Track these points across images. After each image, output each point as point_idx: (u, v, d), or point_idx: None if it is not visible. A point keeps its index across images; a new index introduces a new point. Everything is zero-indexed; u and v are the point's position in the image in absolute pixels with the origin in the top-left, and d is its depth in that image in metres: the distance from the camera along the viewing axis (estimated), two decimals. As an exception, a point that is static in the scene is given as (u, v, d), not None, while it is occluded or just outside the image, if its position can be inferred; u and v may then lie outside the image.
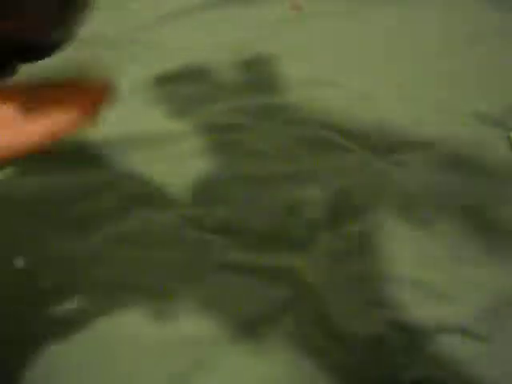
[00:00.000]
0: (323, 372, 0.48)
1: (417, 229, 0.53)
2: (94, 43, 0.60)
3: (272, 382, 0.44)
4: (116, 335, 0.41)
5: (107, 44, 0.63)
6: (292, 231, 0.51)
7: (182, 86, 0.61)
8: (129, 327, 0.41)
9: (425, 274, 0.52)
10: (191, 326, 0.42)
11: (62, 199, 0.50)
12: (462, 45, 0.68)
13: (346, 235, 0.51)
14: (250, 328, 0.45)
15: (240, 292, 0.47)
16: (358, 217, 0.51)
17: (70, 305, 0.42)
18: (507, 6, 0.71)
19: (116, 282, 0.44)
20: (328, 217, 0.51)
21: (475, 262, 0.53)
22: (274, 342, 0.46)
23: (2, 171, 0.51)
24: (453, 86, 0.64)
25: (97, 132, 0.53)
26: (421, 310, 0.50)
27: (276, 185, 0.53)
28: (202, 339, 0.42)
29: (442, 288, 0.51)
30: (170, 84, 0.61)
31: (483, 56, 0.67)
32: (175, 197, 0.50)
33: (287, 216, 0.52)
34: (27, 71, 0.23)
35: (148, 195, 0.51)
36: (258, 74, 0.62)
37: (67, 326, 0.41)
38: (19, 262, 0.44)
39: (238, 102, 0.58)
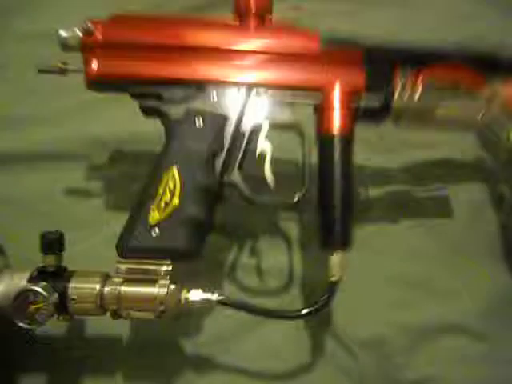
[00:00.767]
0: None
1: (416, 225, 0.53)
2: None
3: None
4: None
5: None
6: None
7: None
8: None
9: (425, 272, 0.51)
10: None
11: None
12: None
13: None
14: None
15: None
16: (358, 216, 0.50)
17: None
18: (507, 6, 0.69)
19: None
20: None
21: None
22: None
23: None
24: None
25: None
26: (421, 310, 0.50)
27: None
28: None
29: (442, 288, 0.51)
30: None
31: None
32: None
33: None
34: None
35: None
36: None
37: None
38: None
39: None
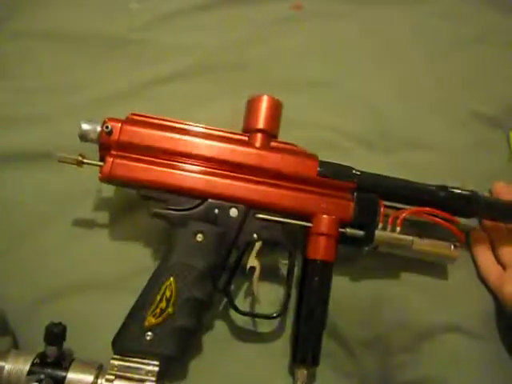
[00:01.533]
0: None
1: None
2: (94, 43, 0.61)
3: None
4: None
5: (107, 44, 0.61)
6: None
7: (181, 86, 0.60)
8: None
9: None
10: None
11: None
12: (462, 45, 0.67)
13: None
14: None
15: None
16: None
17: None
18: (507, 6, 0.70)
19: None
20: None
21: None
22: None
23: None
24: (453, 86, 0.64)
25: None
26: (421, 310, 0.51)
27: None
28: None
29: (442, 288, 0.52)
30: (170, 84, 0.59)
31: (483, 56, 0.67)
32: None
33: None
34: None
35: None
36: (257, 74, 0.61)
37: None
38: None
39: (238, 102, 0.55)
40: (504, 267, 0.52)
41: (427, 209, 0.49)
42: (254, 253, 0.46)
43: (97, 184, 0.49)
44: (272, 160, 0.47)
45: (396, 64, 0.64)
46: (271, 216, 0.47)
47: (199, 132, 0.48)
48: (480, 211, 0.51)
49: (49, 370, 0.41)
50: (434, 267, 0.53)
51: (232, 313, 0.48)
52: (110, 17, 0.63)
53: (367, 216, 0.48)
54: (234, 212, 0.46)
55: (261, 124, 0.49)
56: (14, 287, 0.48)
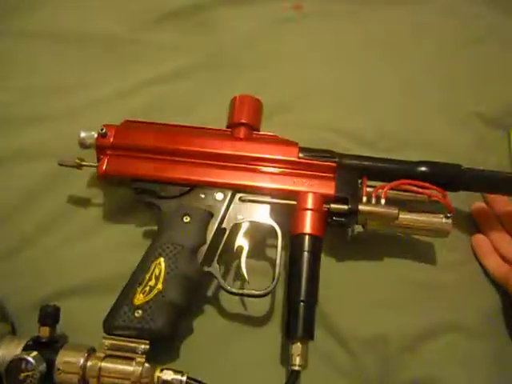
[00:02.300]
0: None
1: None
2: (94, 43, 0.62)
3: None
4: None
5: (107, 44, 0.63)
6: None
7: (181, 86, 0.61)
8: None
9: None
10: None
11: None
12: (463, 45, 0.67)
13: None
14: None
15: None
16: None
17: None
18: (508, 6, 0.70)
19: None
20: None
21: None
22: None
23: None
24: (453, 87, 0.63)
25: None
26: (421, 310, 0.50)
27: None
28: None
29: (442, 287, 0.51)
30: (170, 84, 0.60)
31: (483, 57, 0.66)
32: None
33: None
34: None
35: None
36: (257, 74, 0.62)
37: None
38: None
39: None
40: (510, 264, 0.51)
41: (411, 181, 0.49)
42: (241, 233, 0.48)
43: (96, 186, 0.54)
44: (254, 148, 0.50)
45: (396, 64, 0.65)
46: (257, 197, 0.49)
47: (186, 130, 0.52)
48: (465, 183, 0.51)
49: (40, 349, 0.42)
50: (435, 265, 0.52)
51: (223, 294, 0.48)
52: (110, 17, 0.65)
53: (348, 190, 0.49)
54: (219, 196, 0.48)
55: (242, 118, 0.52)
56: (15, 288, 0.49)
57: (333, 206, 0.48)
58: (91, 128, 0.51)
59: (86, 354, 0.42)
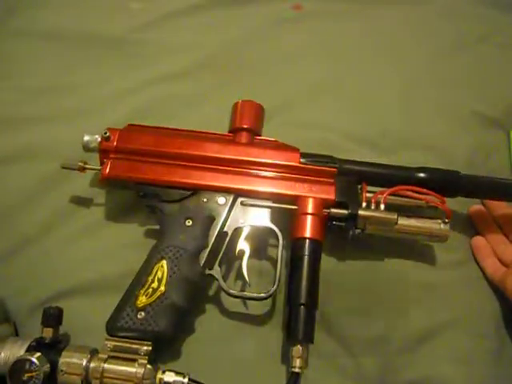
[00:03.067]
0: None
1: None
2: (95, 43, 0.62)
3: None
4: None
5: (107, 44, 0.63)
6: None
7: (181, 85, 0.61)
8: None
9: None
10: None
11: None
12: (462, 45, 0.67)
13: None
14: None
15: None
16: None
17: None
18: (508, 6, 0.70)
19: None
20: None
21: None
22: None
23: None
24: (453, 87, 0.63)
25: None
26: (421, 310, 0.50)
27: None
28: None
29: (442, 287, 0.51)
30: (170, 83, 0.60)
31: (483, 57, 0.67)
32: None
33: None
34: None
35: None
36: (257, 74, 0.62)
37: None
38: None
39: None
40: (507, 266, 0.52)
41: (410, 187, 0.50)
42: (242, 236, 0.48)
43: (97, 186, 0.54)
44: (256, 153, 0.51)
45: (397, 64, 0.65)
46: (258, 202, 0.49)
47: (189, 134, 0.53)
48: (463, 190, 0.52)
49: (44, 350, 0.42)
50: (435, 265, 0.53)
51: (224, 301, 0.49)
52: (110, 17, 0.65)
53: (348, 195, 0.49)
54: (221, 200, 0.49)
55: (245, 123, 0.53)
56: (17, 288, 0.50)
57: (333, 210, 0.49)
58: (91, 128, 0.51)
59: (89, 356, 0.43)
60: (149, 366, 0.42)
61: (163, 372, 0.43)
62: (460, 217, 0.56)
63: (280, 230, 0.49)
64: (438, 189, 0.50)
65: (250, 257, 0.48)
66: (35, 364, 0.41)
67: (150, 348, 0.43)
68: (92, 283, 0.50)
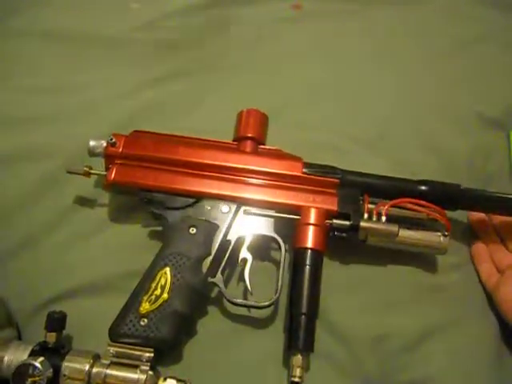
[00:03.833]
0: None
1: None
2: (95, 43, 0.62)
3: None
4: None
5: (107, 44, 0.63)
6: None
7: (181, 86, 0.60)
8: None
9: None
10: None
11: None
12: (462, 45, 0.67)
13: None
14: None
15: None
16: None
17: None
18: (507, 6, 0.70)
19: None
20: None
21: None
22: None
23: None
24: (453, 87, 0.63)
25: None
26: (421, 310, 0.51)
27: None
28: None
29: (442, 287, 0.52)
30: (170, 84, 0.60)
31: (483, 57, 0.66)
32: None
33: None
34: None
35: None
36: (257, 74, 0.62)
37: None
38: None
39: (238, 101, 0.57)
40: (500, 273, 0.53)
41: (411, 199, 0.51)
42: (245, 245, 0.49)
43: (99, 186, 0.54)
44: (260, 162, 0.51)
45: (396, 64, 0.65)
46: (261, 211, 0.50)
47: (194, 142, 0.53)
48: (464, 203, 0.52)
49: (47, 354, 0.43)
50: (435, 267, 0.53)
51: (226, 304, 0.49)
52: (110, 17, 0.65)
53: (351, 206, 0.50)
54: (225, 208, 0.50)
55: (249, 132, 0.54)
56: (18, 289, 0.50)
57: (335, 221, 0.50)
58: (92, 128, 0.51)
59: (92, 361, 0.43)
60: (150, 373, 0.43)
61: (165, 379, 0.43)
62: (461, 221, 0.57)
63: (282, 239, 0.49)
64: (439, 202, 0.51)
65: (253, 265, 0.49)
66: (38, 369, 0.41)
67: (152, 354, 0.44)
68: (94, 284, 0.50)
